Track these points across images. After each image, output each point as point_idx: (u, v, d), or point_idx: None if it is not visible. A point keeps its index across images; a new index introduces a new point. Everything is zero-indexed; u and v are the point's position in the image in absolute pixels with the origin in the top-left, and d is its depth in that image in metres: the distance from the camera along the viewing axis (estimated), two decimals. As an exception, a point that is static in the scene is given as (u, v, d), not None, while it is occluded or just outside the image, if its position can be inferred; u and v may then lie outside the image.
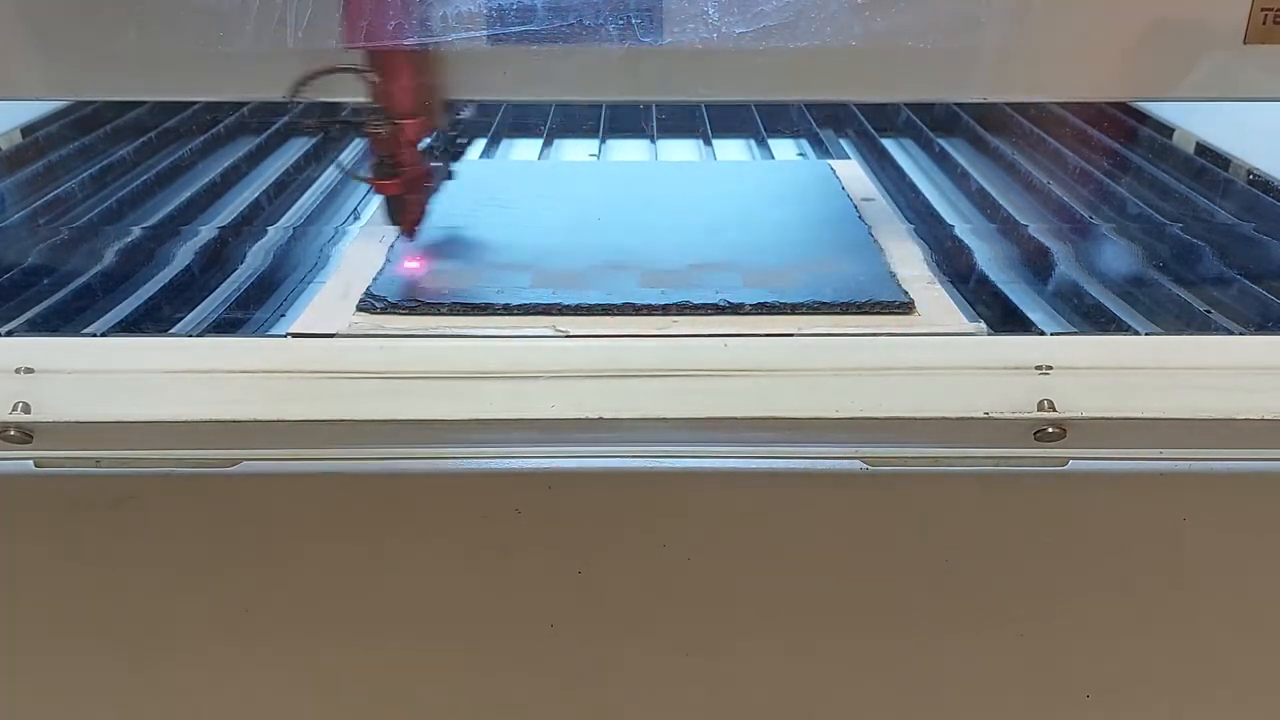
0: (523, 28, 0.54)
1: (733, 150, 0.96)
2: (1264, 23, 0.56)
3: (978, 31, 0.57)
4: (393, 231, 0.66)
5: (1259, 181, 0.77)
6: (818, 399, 0.49)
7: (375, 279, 0.59)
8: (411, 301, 0.56)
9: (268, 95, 0.56)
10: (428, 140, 0.59)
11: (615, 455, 0.50)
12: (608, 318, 0.55)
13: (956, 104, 0.99)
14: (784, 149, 0.95)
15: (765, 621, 0.56)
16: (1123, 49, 0.58)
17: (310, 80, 0.54)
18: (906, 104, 1.01)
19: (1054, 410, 0.49)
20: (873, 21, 0.56)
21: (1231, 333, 0.56)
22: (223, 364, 0.50)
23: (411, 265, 0.61)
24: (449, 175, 0.65)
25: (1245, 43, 0.56)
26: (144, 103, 0.99)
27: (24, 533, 0.52)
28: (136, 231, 0.70)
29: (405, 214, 0.60)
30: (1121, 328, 0.57)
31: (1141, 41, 0.58)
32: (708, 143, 0.95)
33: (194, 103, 0.99)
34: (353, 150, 0.92)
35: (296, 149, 0.91)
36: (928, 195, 0.78)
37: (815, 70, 0.57)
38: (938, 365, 0.51)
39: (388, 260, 0.62)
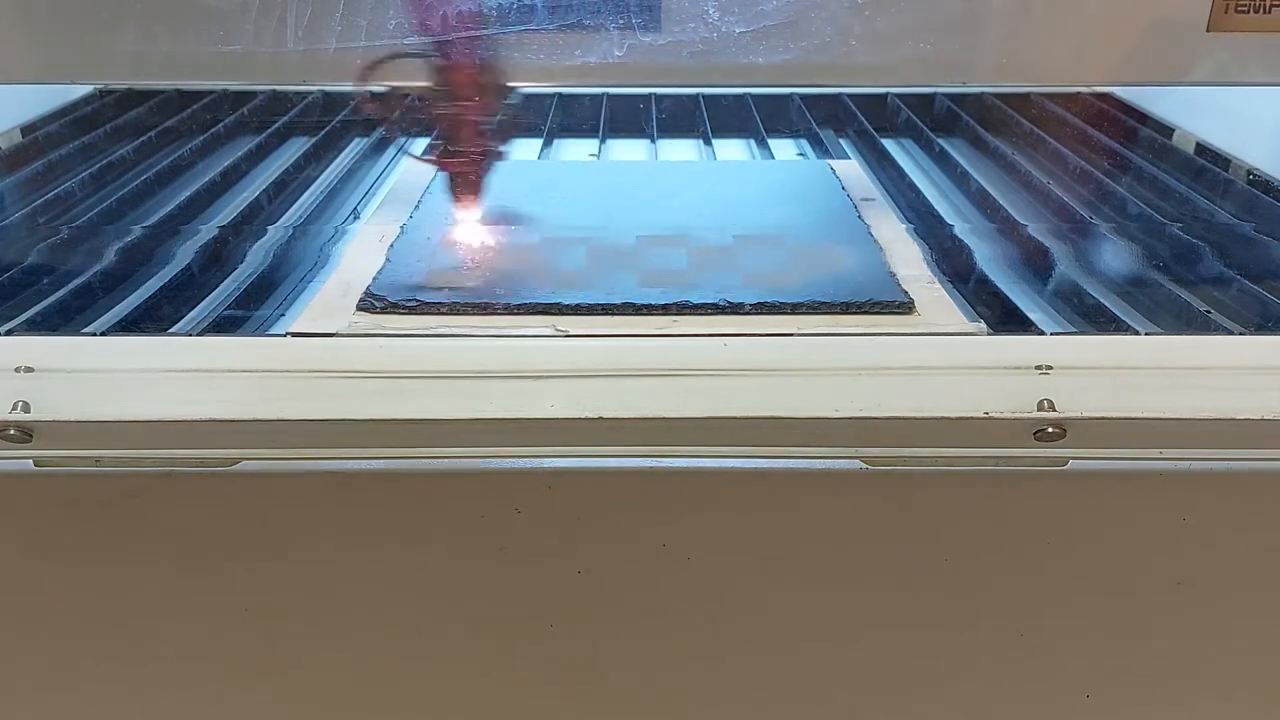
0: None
1: (733, 150, 0.96)
2: (1225, 11, 0.58)
3: (953, 25, 0.59)
4: (393, 231, 0.67)
5: (1259, 181, 0.77)
6: (818, 399, 0.49)
7: (375, 278, 0.59)
8: (411, 301, 0.56)
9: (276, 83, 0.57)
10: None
11: (615, 455, 0.50)
12: (608, 318, 0.55)
13: (956, 104, 1.00)
14: (784, 149, 0.95)
15: (765, 621, 0.56)
16: (1093, 39, 0.60)
17: (377, 65, 0.56)
18: (900, 100, 1.01)
19: (1054, 410, 0.49)
20: (865, 18, 0.58)
21: (1231, 333, 0.56)
22: (222, 363, 0.50)
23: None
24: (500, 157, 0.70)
25: (1208, 31, 0.59)
26: (143, 102, 0.99)
27: (24, 532, 0.52)
28: (136, 231, 0.70)
29: (463, 190, 0.67)
30: (1121, 328, 0.57)
31: (1111, 31, 0.59)
32: (708, 143, 0.95)
33: (193, 102, 0.99)
34: (352, 150, 0.93)
35: (296, 148, 0.91)
36: (928, 195, 0.78)
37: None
38: (938, 365, 0.51)
39: (388, 260, 0.62)
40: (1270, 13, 0.59)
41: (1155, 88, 0.96)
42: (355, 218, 0.77)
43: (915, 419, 0.49)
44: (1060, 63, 0.61)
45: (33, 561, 0.53)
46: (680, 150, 0.96)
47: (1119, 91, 1.01)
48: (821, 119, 1.00)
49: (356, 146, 0.93)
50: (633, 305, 0.56)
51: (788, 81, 0.61)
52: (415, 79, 0.61)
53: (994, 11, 0.59)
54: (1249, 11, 0.59)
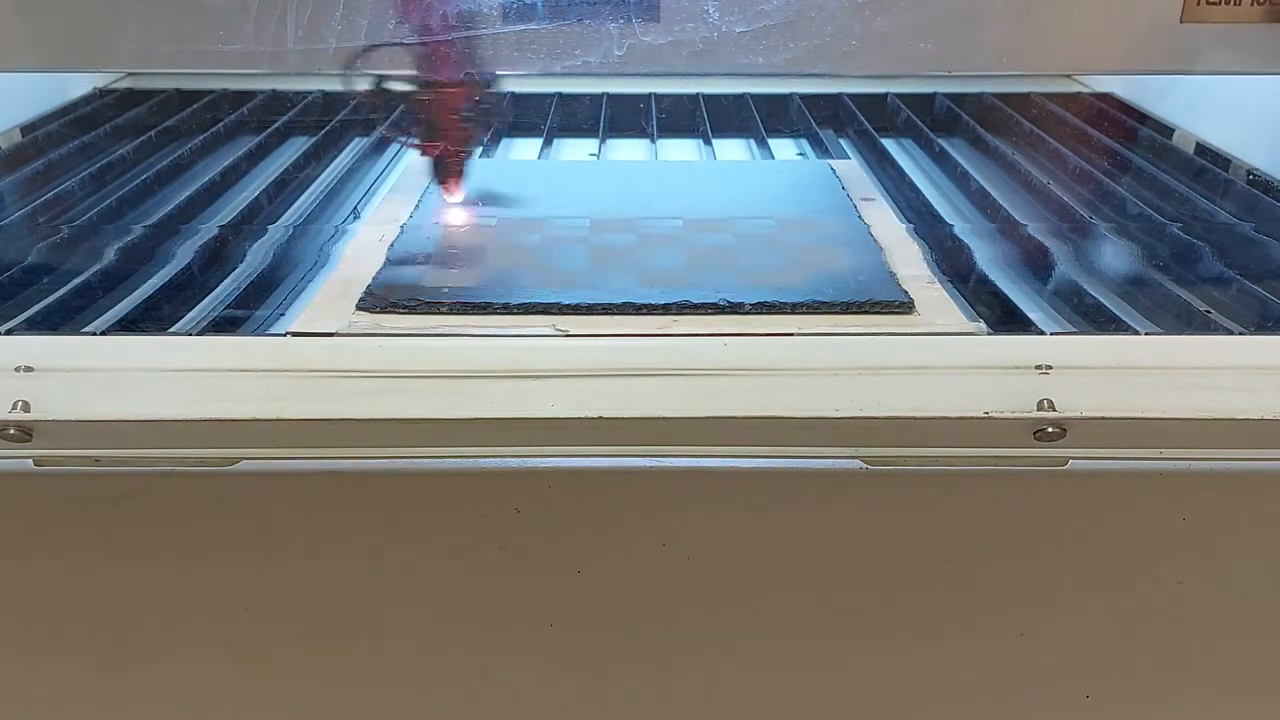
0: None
1: (733, 150, 0.96)
2: (1198, 3, 0.60)
3: (933, 15, 0.60)
4: (393, 230, 0.67)
5: (1259, 181, 0.77)
6: (818, 399, 0.49)
7: (375, 278, 0.59)
8: (411, 300, 0.56)
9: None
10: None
11: (615, 455, 0.50)
12: (608, 317, 0.55)
13: (956, 104, 1.00)
14: (784, 149, 0.95)
15: (765, 621, 0.56)
16: (1068, 28, 0.62)
17: (362, 55, 0.60)
18: (900, 100, 1.01)
19: (1054, 410, 0.49)
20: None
21: (1231, 333, 0.56)
22: (222, 363, 0.50)
23: None
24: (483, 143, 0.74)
25: (1182, 21, 0.62)
26: (143, 101, 0.99)
27: (24, 532, 0.52)
28: (136, 230, 0.70)
29: (448, 174, 0.71)
30: (1121, 328, 0.57)
31: (1085, 21, 0.62)
32: (708, 142, 0.95)
33: (193, 102, 1.00)
34: (351, 150, 0.93)
35: (296, 148, 0.91)
36: (928, 195, 0.78)
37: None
38: (938, 365, 0.51)
39: (387, 259, 0.62)
40: (1240, 4, 0.61)
41: (1155, 89, 0.97)
42: (355, 217, 0.77)
43: (915, 419, 0.49)
44: (1035, 52, 0.63)
45: (33, 561, 0.53)
46: (680, 150, 0.96)
47: (1119, 91, 1.01)
48: (821, 119, 1.00)
49: (356, 146, 0.93)
50: (633, 305, 0.56)
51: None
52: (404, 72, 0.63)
53: (970, 2, 0.61)
54: (1220, 3, 0.61)
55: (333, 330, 0.54)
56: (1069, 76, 1.08)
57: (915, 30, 0.61)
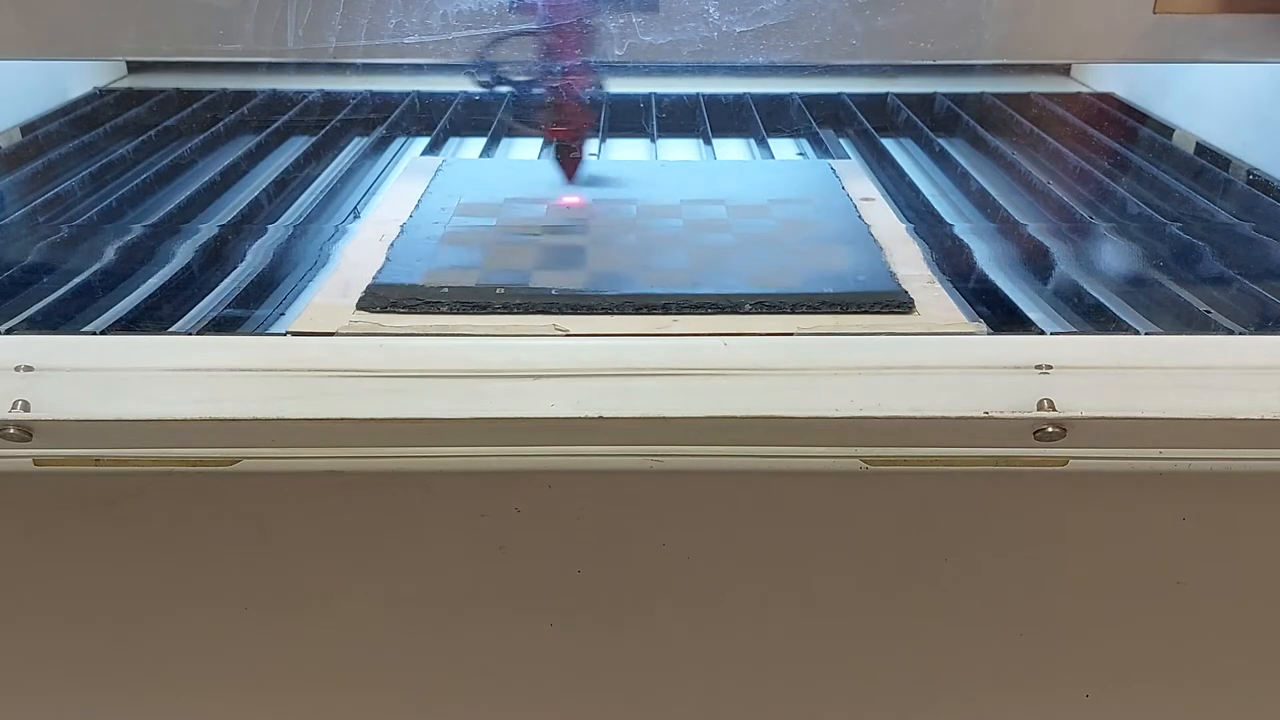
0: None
1: (733, 150, 0.96)
2: None
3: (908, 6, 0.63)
4: (393, 230, 0.67)
5: (1259, 181, 0.77)
6: (818, 399, 0.49)
7: (375, 277, 0.59)
8: (411, 300, 0.56)
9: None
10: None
11: (615, 455, 0.50)
12: (608, 317, 0.55)
13: (956, 104, 1.00)
14: (784, 148, 0.95)
15: (765, 621, 0.56)
16: (1047, 18, 0.65)
17: (495, 44, 0.63)
18: (900, 100, 1.01)
19: (1054, 410, 0.49)
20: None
21: (1231, 333, 0.56)
22: (222, 362, 0.50)
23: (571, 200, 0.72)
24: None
25: (1155, 12, 0.64)
26: (143, 101, 0.99)
27: (23, 531, 0.52)
28: (136, 229, 0.70)
29: (569, 158, 0.75)
30: (1121, 327, 0.57)
31: (1064, 11, 0.65)
32: (708, 142, 0.95)
33: (193, 101, 1.00)
34: (352, 150, 0.92)
35: (296, 147, 0.91)
36: (928, 195, 0.78)
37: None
38: (938, 365, 0.51)
39: (388, 259, 0.62)
40: (1207, -6, 0.64)
41: (1155, 89, 0.97)
42: (355, 217, 0.77)
43: (915, 419, 0.49)
44: (1015, 42, 0.64)
45: (33, 561, 0.53)
46: (680, 150, 0.96)
47: (1119, 91, 1.01)
48: (821, 119, 1.00)
49: (356, 145, 0.93)
50: (633, 304, 0.56)
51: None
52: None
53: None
54: (1189, -6, 0.64)
55: (333, 330, 0.54)
56: (1067, 74, 1.09)
57: (888, 21, 0.63)
